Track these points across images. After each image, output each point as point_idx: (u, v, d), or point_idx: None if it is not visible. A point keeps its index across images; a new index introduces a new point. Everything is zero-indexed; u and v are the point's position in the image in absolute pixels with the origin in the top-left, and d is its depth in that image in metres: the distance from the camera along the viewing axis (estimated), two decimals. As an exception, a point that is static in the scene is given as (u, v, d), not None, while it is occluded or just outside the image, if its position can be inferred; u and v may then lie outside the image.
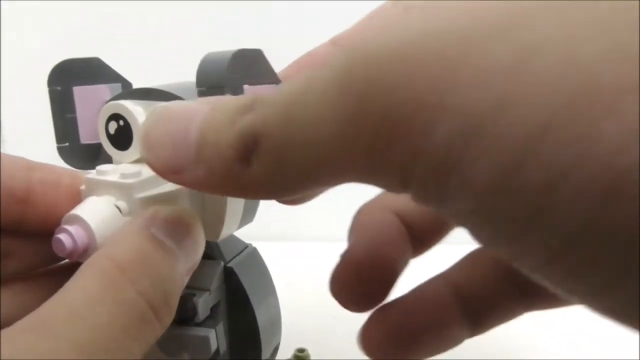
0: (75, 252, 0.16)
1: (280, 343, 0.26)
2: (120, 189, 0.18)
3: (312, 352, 0.30)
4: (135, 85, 0.21)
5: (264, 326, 0.22)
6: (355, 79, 0.11)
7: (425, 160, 0.10)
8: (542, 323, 0.34)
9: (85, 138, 0.21)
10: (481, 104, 0.09)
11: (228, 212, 0.19)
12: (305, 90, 0.12)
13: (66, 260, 0.21)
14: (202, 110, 0.14)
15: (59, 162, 0.21)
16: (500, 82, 0.09)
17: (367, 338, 0.20)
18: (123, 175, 0.18)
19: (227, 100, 0.14)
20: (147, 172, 0.18)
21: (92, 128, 0.21)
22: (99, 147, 0.21)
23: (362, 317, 0.36)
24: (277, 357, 0.25)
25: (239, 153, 0.12)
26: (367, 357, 0.32)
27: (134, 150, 0.20)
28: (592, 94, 0.08)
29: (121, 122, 0.20)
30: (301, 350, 0.29)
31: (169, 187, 0.19)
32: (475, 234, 0.11)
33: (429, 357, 0.20)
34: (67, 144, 0.21)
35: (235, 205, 0.20)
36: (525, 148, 0.09)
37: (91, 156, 0.21)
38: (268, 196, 0.14)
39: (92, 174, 0.19)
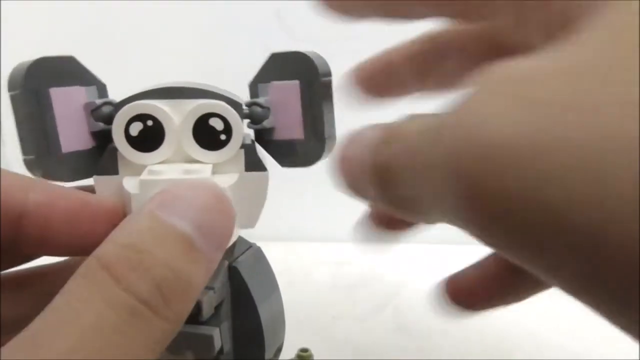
0: None
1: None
2: None
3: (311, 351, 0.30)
4: (125, 86, 0.21)
5: (267, 325, 0.22)
6: (475, 168, 0.10)
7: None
8: (542, 322, 0.34)
9: (67, 146, 0.19)
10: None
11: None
12: (431, 142, 0.12)
13: (64, 259, 0.21)
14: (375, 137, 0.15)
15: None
16: None
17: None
18: (187, 171, 0.18)
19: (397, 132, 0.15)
20: (194, 167, 0.19)
21: (75, 134, 0.19)
22: (83, 155, 0.20)
23: (359, 318, 0.37)
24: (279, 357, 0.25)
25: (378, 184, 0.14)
26: (367, 357, 0.32)
27: (166, 150, 0.19)
28: None
29: (149, 123, 0.19)
30: (304, 350, 0.29)
31: (227, 179, 0.19)
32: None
33: None
34: (46, 154, 0.19)
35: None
36: None
37: (75, 166, 0.20)
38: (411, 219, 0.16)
39: (145, 175, 0.18)
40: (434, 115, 0.13)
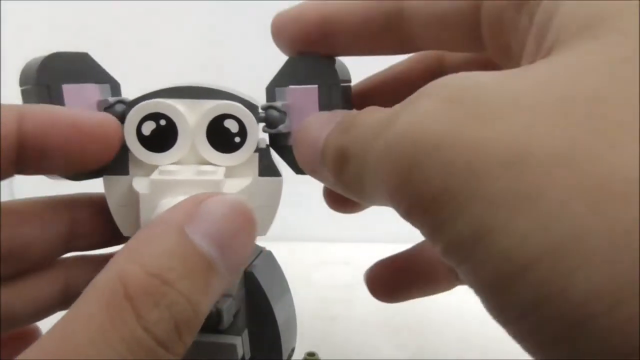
0: None
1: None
2: (206, 186, 0.17)
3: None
4: (131, 86, 0.20)
5: (283, 329, 0.22)
6: (402, 159, 0.12)
7: (448, 239, 0.12)
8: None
9: None
10: (489, 220, 0.10)
11: None
12: (376, 134, 0.14)
13: (62, 258, 0.21)
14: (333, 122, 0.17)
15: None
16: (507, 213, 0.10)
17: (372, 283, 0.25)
18: (200, 172, 0.17)
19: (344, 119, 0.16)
20: (207, 168, 0.18)
21: None
22: None
23: (359, 318, 0.37)
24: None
25: (335, 165, 0.16)
26: (367, 357, 0.32)
27: (178, 150, 0.19)
28: (570, 249, 0.09)
29: (162, 122, 0.19)
30: (311, 354, 0.29)
31: (239, 182, 0.19)
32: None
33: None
34: None
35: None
36: (514, 273, 0.10)
37: None
38: (356, 199, 0.17)
39: (156, 175, 0.18)
40: (391, 110, 0.14)
